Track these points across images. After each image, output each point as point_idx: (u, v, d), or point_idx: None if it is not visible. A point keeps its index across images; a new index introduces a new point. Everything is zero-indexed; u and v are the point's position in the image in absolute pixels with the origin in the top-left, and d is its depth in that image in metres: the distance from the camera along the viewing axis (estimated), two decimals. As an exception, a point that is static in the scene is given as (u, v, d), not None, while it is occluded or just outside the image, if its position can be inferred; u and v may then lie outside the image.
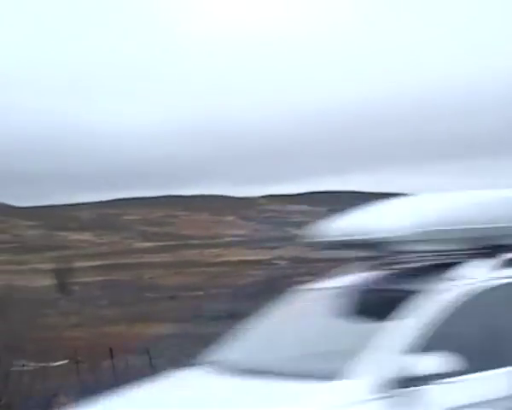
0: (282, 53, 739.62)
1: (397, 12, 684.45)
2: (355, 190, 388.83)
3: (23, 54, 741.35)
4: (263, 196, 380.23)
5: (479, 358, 7.44)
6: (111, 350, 30.40)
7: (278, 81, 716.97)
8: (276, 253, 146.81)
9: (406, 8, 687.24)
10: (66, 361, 32.64)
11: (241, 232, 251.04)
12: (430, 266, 8.53)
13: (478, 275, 7.85)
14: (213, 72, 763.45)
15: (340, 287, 8.78)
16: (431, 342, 7.05)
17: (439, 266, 8.18)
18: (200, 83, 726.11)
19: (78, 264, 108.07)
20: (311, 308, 9.05)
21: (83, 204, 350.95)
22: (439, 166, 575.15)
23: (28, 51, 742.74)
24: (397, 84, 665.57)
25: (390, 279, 8.67)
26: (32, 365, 23.91)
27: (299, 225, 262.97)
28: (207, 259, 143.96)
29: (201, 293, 79.86)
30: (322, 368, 7.33)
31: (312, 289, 9.38)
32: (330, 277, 9.26)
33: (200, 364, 8.43)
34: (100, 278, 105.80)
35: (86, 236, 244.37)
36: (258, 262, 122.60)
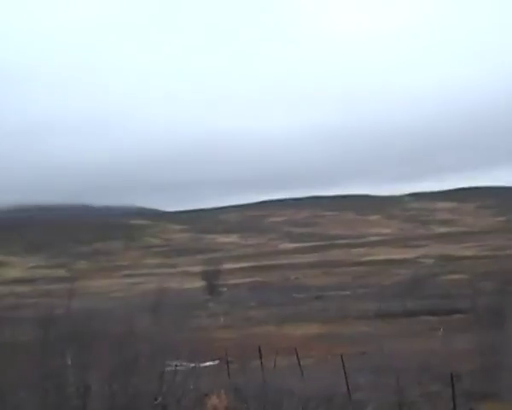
0: (426, 52, 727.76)
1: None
2: (505, 185, 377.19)
3: (173, 68, 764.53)
4: (408, 194, 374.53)
5: None
6: (260, 350, 30.84)
7: (422, 80, 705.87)
8: (422, 251, 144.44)
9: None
10: (216, 362, 33.39)
11: (387, 231, 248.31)
12: None
13: None
14: (358, 75, 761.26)
15: None
16: None
17: None
18: (345, 86, 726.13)
19: (225, 266, 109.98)
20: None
21: (229, 207, 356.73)
22: None
23: (177, 66, 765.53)
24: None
25: None
26: (184, 365, 24.45)
27: (446, 222, 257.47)
28: (353, 258, 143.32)
29: (348, 293, 79.62)
30: None
31: None
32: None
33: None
34: (247, 280, 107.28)
35: (233, 238, 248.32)
36: (404, 261, 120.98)
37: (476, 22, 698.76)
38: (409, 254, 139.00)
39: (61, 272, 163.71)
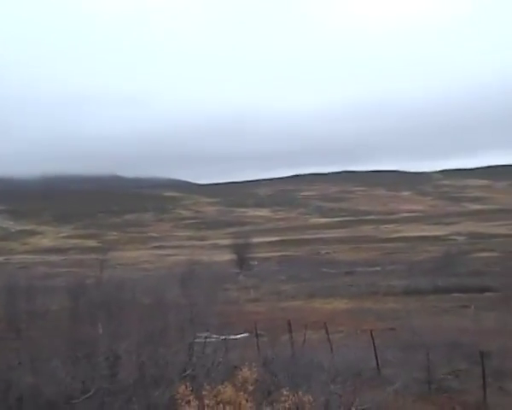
0: (454, 31, 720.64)
1: None
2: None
3: (208, 47, 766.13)
4: (439, 171, 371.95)
5: None
6: (289, 324, 30.89)
7: (454, 58, 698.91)
8: (454, 228, 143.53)
9: None
10: (246, 334, 33.52)
11: (418, 208, 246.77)
12: None
13: None
14: (387, 52, 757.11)
15: None
16: None
17: None
18: (376, 63, 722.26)
19: (256, 239, 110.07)
20: None
21: (261, 181, 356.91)
22: None
23: (212, 45, 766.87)
24: None
25: None
26: (214, 337, 24.60)
27: (478, 200, 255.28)
28: (384, 234, 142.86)
29: (378, 269, 79.37)
30: None
31: None
32: None
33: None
34: (277, 254, 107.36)
35: (264, 212, 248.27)
36: (435, 238, 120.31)
37: None
38: (440, 231, 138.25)
39: (92, 243, 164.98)
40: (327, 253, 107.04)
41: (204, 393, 12.00)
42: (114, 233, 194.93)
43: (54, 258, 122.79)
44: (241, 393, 12.01)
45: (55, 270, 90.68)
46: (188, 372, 19.24)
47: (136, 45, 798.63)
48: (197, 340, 22.61)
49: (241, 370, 12.71)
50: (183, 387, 12.20)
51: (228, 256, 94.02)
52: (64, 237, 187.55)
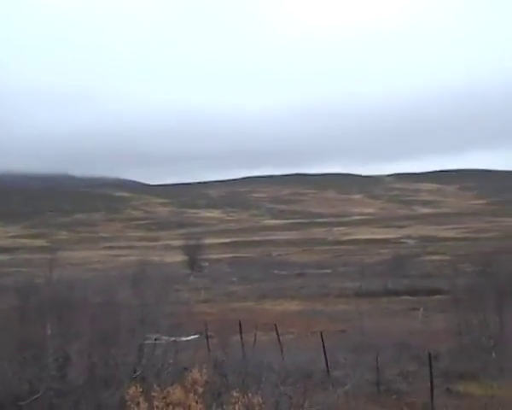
0: (412, 37, 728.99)
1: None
2: (487, 168, 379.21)
3: (164, 48, 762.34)
4: (390, 175, 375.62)
5: None
6: (240, 325, 30.88)
7: (406, 62, 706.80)
8: (404, 231, 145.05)
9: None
10: (196, 336, 33.41)
11: (369, 211, 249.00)
12: None
13: None
14: (339, 57, 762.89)
15: None
16: None
17: None
18: (328, 66, 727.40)
19: (207, 241, 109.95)
20: None
21: (212, 182, 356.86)
22: None
23: (166, 46, 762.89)
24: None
25: None
26: (164, 339, 24.48)
27: (428, 203, 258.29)
28: (335, 237, 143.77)
29: (329, 271, 79.83)
30: None
31: None
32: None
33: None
34: (229, 255, 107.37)
35: (215, 213, 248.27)
36: (386, 241, 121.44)
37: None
38: (390, 234, 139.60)
39: (41, 242, 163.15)
40: (278, 255, 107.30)
41: (153, 394, 11.93)
42: (64, 233, 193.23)
43: (1, 257, 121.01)
44: (191, 394, 11.98)
45: (3, 269, 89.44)
46: (138, 374, 19.15)
47: (84, 43, 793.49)
48: (147, 341, 22.49)
49: (190, 371, 12.68)
50: (133, 388, 12.13)
51: (179, 257, 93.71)
52: (12, 237, 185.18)
